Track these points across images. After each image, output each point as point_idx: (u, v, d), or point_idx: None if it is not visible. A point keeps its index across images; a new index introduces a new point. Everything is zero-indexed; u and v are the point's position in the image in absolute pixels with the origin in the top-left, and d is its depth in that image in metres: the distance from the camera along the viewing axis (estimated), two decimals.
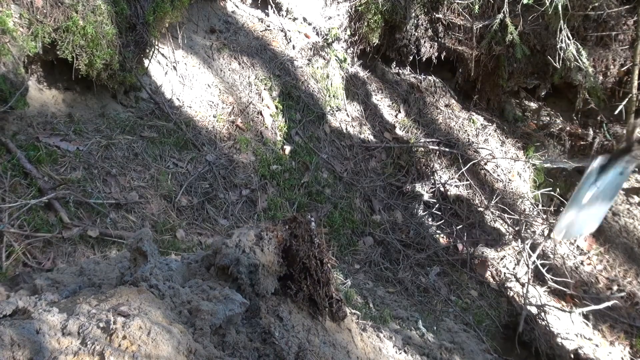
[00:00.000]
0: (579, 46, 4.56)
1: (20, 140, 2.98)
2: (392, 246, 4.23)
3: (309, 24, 5.28)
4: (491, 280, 4.32)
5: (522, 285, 4.23)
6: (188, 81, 4.16)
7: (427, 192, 4.84)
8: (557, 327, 4.06)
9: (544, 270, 4.26)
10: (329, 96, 5.00)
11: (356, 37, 5.35)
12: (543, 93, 5.79)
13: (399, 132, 5.28)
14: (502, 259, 4.48)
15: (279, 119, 4.50)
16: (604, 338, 4.12)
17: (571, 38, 4.47)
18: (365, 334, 2.32)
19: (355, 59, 5.49)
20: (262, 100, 4.50)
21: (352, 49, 5.44)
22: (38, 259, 2.53)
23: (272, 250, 1.69)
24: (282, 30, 5.09)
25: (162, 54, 4.11)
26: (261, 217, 3.73)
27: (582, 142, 5.52)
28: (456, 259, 4.33)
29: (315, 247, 1.77)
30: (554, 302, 4.28)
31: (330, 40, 5.24)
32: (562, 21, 4.31)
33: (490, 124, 5.70)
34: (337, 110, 5.01)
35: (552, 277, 4.31)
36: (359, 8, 5.21)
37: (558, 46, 4.49)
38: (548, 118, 5.83)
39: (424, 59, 5.55)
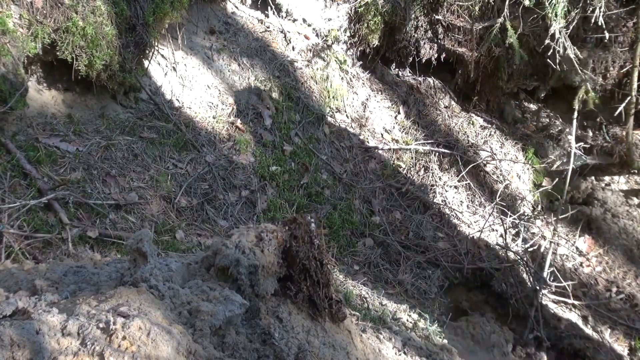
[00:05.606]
0: (577, 51, 4.56)
1: (20, 141, 2.98)
2: (392, 247, 4.23)
3: (309, 26, 5.28)
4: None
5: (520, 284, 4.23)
6: (188, 82, 4.16)
7: (426, 193, 4.84)
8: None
9: (543, 272, 4.26)
10: (329, 97, 5.00)
11: (356, 38, 5.36)
12: (542, 95, 5.79)
13: (398, 133, 5.28)
14: (501, 260, 4.47)
15: (279, 120, 4.50)
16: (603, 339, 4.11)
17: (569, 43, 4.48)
18: (365, 335, 2.32)
19: (355, 61, 5.49)
20: (262, 101, 4.50)
21: (351, 51, 5.44)
22: (38, 260, 2.52)
23: (272, 251, 1.69)
24: (282, 32, 5.09)
25: (162, 55, 4.11)
26: (260, 218, 3.73)
27: (581, 144, 5.53)
28: (456, 260, 4.33)
29: (315, 248, 1.77)
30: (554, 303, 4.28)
31: (330, 42, 5.24)
32: (560, 24, 4.32)
33: (489, 126, 5.70)
34: (336, 112, 5.01)
35: (551, 279, 4.31)
36: (359, 9, 5.21)
37: (556, 51, 4.49)
38: (547, 119, 5.83)
39: (423, 60, 5.55)
